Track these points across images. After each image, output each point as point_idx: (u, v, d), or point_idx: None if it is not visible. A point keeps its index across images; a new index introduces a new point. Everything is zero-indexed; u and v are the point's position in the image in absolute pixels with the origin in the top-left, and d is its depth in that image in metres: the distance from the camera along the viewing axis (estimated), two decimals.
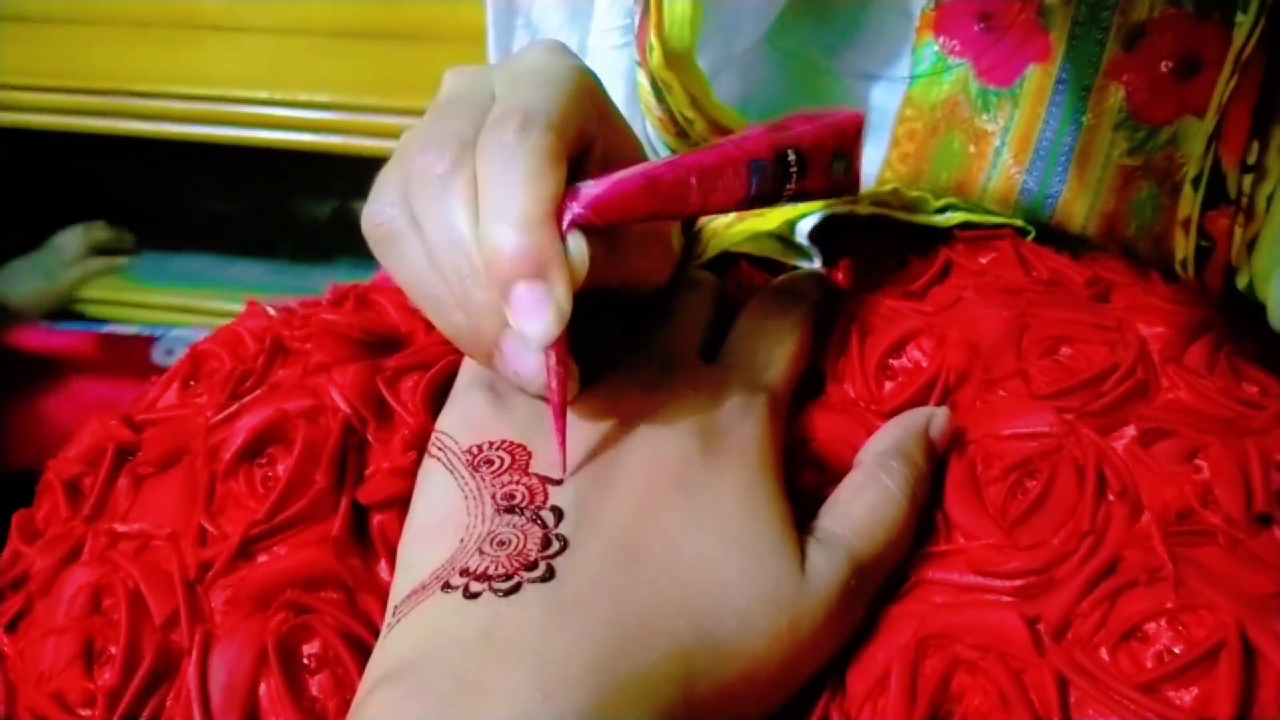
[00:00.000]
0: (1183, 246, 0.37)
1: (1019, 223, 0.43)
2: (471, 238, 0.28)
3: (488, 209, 0.27)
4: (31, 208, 1.27)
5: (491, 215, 0.27)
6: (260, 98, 1.10)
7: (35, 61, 1.16)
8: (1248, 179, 0.34)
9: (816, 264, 0.39)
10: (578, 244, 0.28)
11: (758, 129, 0.34)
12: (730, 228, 0.41)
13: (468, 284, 0.28)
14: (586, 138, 0.31)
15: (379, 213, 0.30)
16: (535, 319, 0.27)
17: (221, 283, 1.36)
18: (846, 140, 0.35)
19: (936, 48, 0.43)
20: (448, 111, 0.31)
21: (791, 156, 0.32)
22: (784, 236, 0.40)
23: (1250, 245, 0.35)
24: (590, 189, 0.28)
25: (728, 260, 0.41)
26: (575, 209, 0.28)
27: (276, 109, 1.10)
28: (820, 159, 0.34)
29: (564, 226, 0.27)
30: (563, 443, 0.29)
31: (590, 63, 0.32)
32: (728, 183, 0.31)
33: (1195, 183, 0.35)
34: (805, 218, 0.40)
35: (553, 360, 0.28)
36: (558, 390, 0.28)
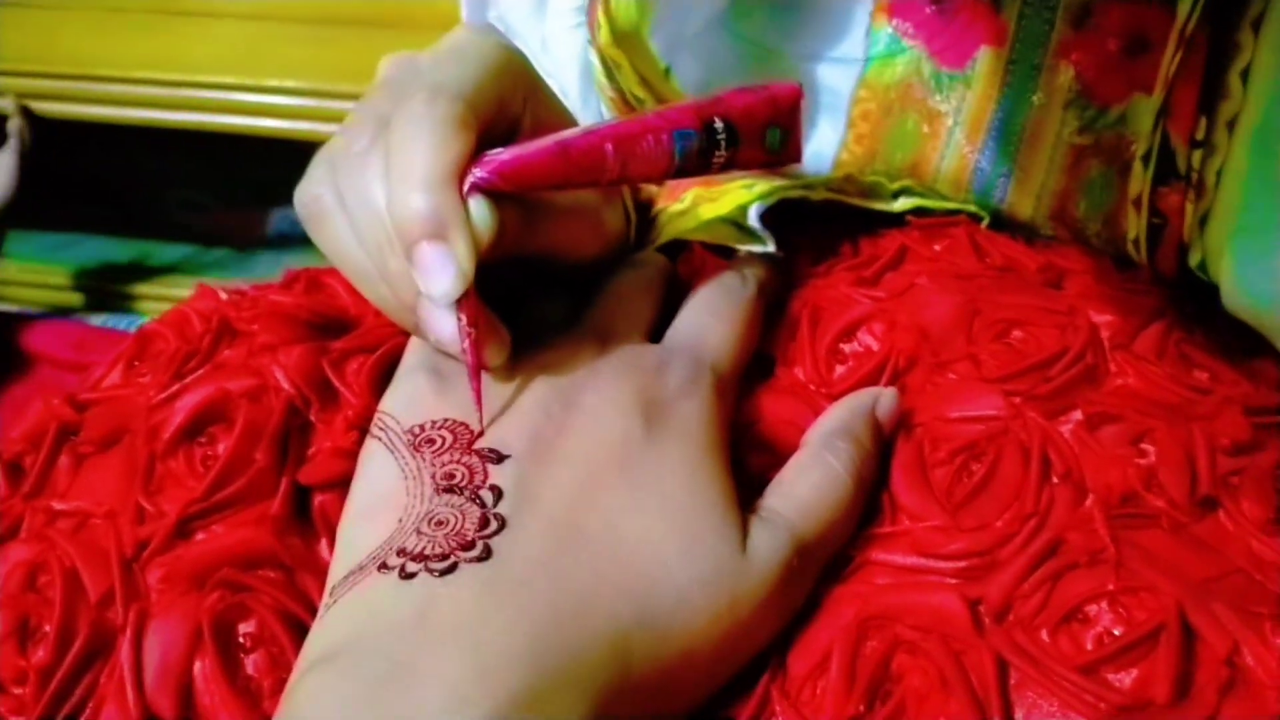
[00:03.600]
0: (1134, 225, 0.37)
1: (972, 208, 0.43)
2: (386, 208, 0.28)
3: (394, 176, 0.28)
4: None
5: (397, 181, 0.28)
6: (233, 83, 1.09)
7: (3, 47, 1.15)
8: (1197, 154, 0.34)
9: (770, 248, 0.39)
10: (479, 207, 0.28)
11: (687, 101, 0.34)
12: (684, 214, 0.40)
13: (385, 253, 0.29)
14: (509, 112, 0.32)
15: (306, 192, 0.31)
16: (437, 277, 0.28)
17: (192, 270, 1.35)
18: (780, 111, 0.35)
19: (890, 30, 0.43)
20: (374, 95, 0.32)
21: (719, 125, 0.32)
22: (737, 221, 0.40)
23: (1202, 222, 0.34)
24: (498, 155, 0.29)
25: (681, 244, 0.41)
26: (478, 173, 0.28)
27: (250, 95, 1.09)
28: (752, 129, 0.34)
29: (465, 190, 0.28)
30: (479, 401, 0.29)
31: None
32: (648, 150, 0.31)
33: (1145, 159, 0.35)
34: (758, 202, 0.39)
35: (463, 321, 0.29)
36: (471, 351, 0.29)
